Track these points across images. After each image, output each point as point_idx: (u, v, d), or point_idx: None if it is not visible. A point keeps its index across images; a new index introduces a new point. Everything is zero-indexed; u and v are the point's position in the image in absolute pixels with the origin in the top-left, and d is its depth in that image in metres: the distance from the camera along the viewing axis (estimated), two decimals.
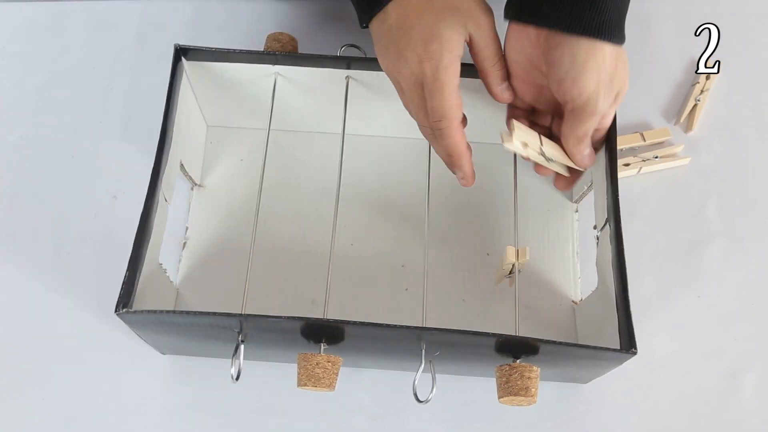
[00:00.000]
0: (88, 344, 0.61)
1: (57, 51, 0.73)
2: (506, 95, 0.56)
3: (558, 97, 0.53)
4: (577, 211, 0.66)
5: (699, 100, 0.69)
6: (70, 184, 0.67)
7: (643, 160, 0.66)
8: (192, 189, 0.66)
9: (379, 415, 0.60)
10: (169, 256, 0.63)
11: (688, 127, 0.69)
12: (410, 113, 0.55)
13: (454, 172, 0.57)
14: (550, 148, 0.56)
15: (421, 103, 0.53)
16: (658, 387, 0.61)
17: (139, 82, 0.71)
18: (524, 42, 0.53)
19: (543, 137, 0.56)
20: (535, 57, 0.53)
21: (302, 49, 0.62)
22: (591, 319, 0.60)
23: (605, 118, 0.55)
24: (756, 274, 0.64)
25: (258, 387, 0.60)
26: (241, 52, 0.59)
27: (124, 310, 0.50)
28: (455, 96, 0.52)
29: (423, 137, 0.58)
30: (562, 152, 0.56)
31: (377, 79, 0.60)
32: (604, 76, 0.51)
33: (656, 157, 0.67)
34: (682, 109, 0.70)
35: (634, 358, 0.56)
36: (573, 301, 0.63)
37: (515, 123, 0.55)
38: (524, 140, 0.54)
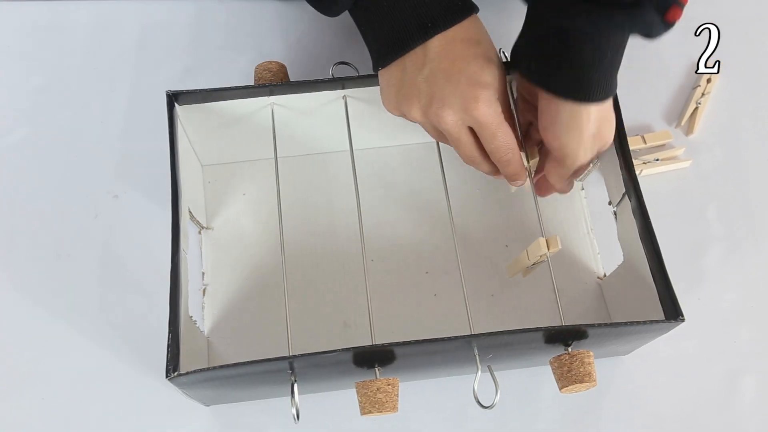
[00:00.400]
0: (86, 344, 0.61)
1: (59, 51, 0.72)
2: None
3: (543, 139, 0.56)
4: (583, 189, 0.67)
5: (700, 104, 0.69)
6: (70, 184, 0.66)
7: (644, 163, 0.67)
8: (200, 233, 0.65)
9: (378, 418, 0.59)
10: (191, 306, 0.61)
11: (688, 130, 0.70)
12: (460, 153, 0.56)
13: (494, 176, 0.58)
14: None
15: (472, 141, 0.53)
16: (658, 388, 0.61)
17: (141, 83, 0.70)
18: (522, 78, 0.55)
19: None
20: (530, 91, 0.56)
21: (300, 59, 0.61)
22: (621, 293, 0.61)
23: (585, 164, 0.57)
24: (756, 277, 0.65)
25: None
26: (233, 88, 0.58)
27: (176, 374, 0.48)
28: (509, 129, 0.53)
29: (430, 140, 0.58)
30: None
31: (374, 93, 0.60)
32: (587, 137, 0.53)
33: (657, 160, 0.67)
34: (683, 113, 0.70)
35: (634, 359, 0.58)
36: (598, 277, 0.64)
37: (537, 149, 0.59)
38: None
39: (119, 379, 0.60)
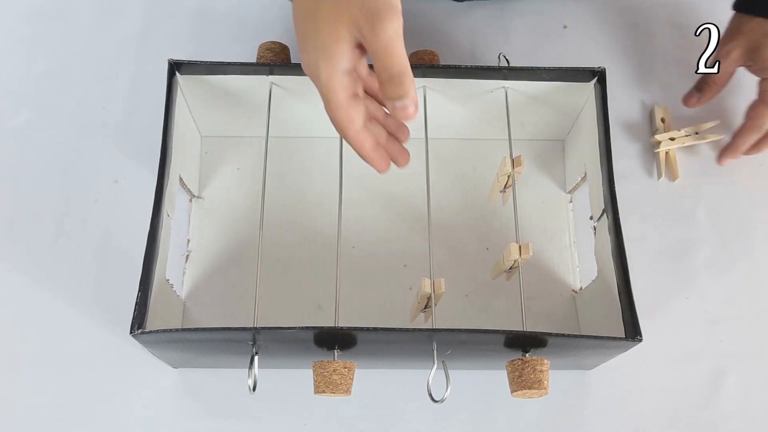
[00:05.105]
0: (82, 325, 0.62)
1: (62, 36, 0.73)
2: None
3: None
4: (571, 201, 0.68)
5: (668, 151, 0.69)
6: (71, 168, 0.68)
7: (686, 135, 0.69)
8: (190, 201, 0.66)
9: (367, 404, 0.61)
10: (172, 270, 0.63)
11: (672, 176, 0.69)
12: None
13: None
14: None
15: None
16: (643, 386, 0.62)
17: (144, 69, 0.72)
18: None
19: None
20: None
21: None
22: (592, 308, 0.61)
23: None
24: (744, 278, 0.65)
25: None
26: (235, 64, 0.59)
27: (139, 331, 0.50)
28: None
29: (419, 136, 0.59)
30: None
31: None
32: None
33: (697, 134, 0.69)
34: (659, 165, 0.69)
35: (620, 356, 0.58)
36: (573, 290, 0.65)
37: None
38: None
39: (115, 359, 0.61)
